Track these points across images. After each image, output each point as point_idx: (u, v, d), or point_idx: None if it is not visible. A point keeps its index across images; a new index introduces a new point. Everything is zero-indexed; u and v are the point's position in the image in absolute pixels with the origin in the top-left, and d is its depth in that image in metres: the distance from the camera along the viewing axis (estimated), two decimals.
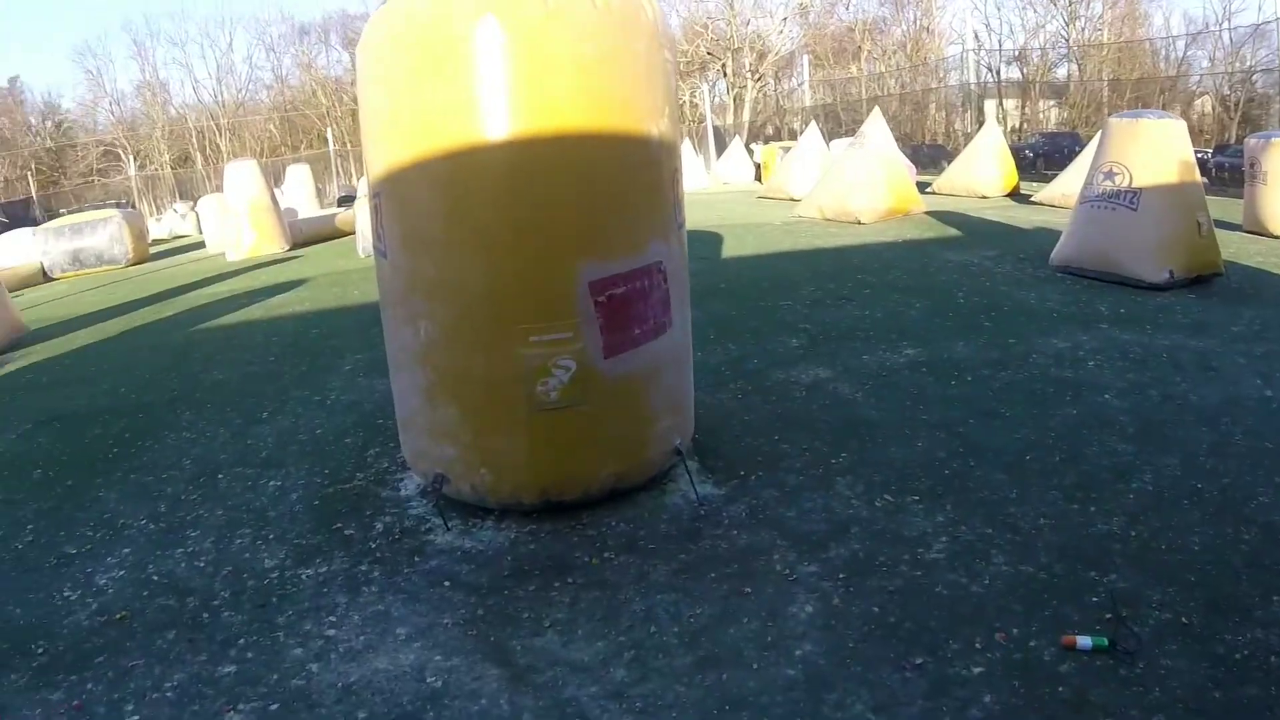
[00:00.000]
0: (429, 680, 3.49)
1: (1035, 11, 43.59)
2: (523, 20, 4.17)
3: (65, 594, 4.50)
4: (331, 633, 3.87)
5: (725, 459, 5.36)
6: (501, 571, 4.26)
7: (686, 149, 33.14)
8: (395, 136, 4.48)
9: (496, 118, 4.18)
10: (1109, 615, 3.65)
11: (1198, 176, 10.32)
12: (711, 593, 3.94)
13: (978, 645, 3.50)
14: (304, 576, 4.39)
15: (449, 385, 4.61)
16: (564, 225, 4.31)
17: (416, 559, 4.45)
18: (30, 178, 50.29)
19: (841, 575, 4.02)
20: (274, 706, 3.40)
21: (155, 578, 4.56)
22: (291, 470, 5.82)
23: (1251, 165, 14.35)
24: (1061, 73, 41.60)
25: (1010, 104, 39.74)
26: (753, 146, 37.90)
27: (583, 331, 4.37)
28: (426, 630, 3.83)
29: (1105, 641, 3.45)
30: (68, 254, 23.69)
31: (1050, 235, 12.31)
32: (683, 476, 4.99)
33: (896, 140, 18.78)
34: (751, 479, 5.08)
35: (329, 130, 51.06)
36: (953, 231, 14.80)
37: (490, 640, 3.72)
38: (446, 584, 4.19)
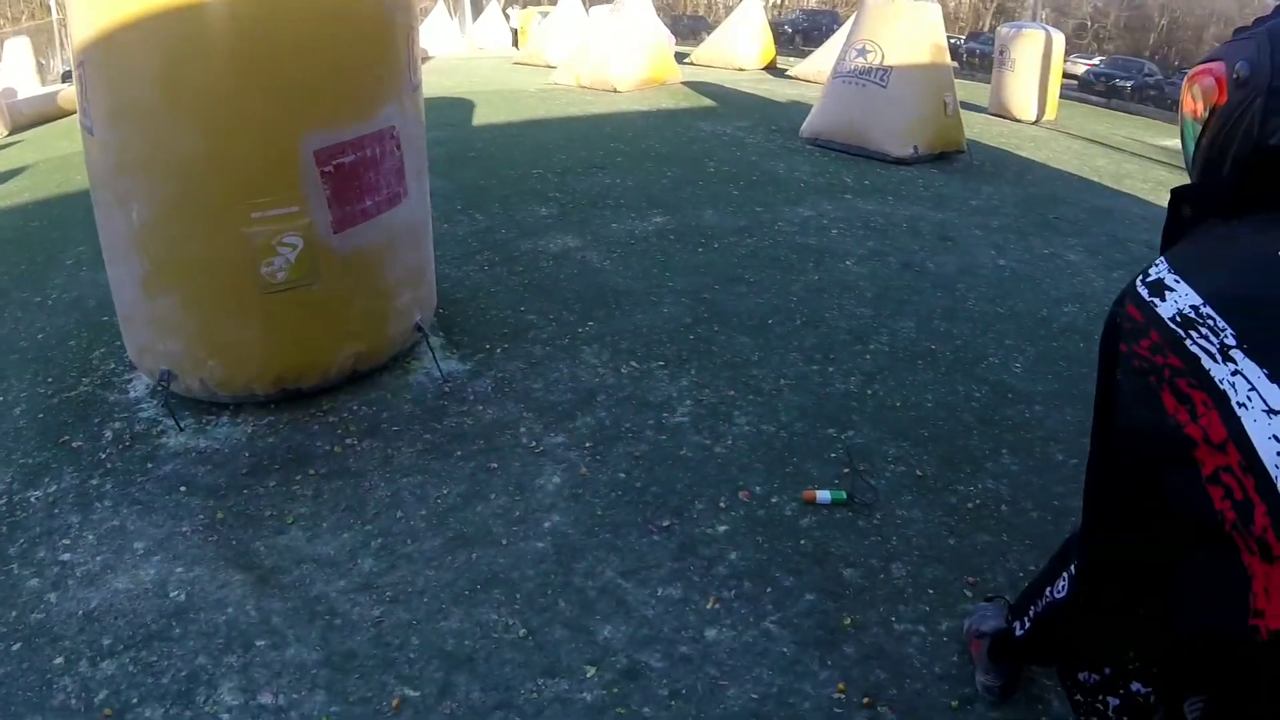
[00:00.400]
0: (172, 595, 3.28)
1: None
2: None
3: None
4: (66, 557, 3.56)
5: (471, 333, 5.21)
6: (240, 470, 4.02)
7: (440, 12, 31.95)
8: None
9: None
10: (846, 470, 3.78)
11: (948, 60, 10.73)
12: (458, 471, 3.85)
13: (722, 505, 3.57)
14: (33, 499, 4.00)
15: (168, 272, 4.20)
16: (285, 89, 3.93)
17: (150, 466, 4.13)
18: None
19: (588, 444, 4.01)
20: (16, 646, 3.11)
21: None
22: (13, 382, 5.30)
23: (1001, 52, 15.23)
24: None
25: None
26: (509, 11, 36.91)
27: (310, 205, 4.05)
28: (165, 541, 3.58)
29: (844, 495, 3.59)
30: None
31: (803, 109, 12.57)
32: (426, 354, 4.82)
33: (657, 10, 18.64)
34: (498, 352, 4.96)
35: None
36: (708, 102, 14.88)
37: (232, 544, 3.52)
38: (183, 489, 3.92)
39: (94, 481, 4.06)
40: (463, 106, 14.37)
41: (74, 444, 4.41)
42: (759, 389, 4.48)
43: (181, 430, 4.37)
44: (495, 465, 3.87)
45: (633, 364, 4.75)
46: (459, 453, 3.99)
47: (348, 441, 4.14)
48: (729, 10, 29.01)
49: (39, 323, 6.22)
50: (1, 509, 3.96)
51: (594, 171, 9.30)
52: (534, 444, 4.02)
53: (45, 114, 20.83)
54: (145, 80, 3.91)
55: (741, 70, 20.70)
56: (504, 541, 3.40)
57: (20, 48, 30.04)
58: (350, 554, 3.41)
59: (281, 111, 3.94)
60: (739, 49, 21.47)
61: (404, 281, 4.63)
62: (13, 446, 4.47)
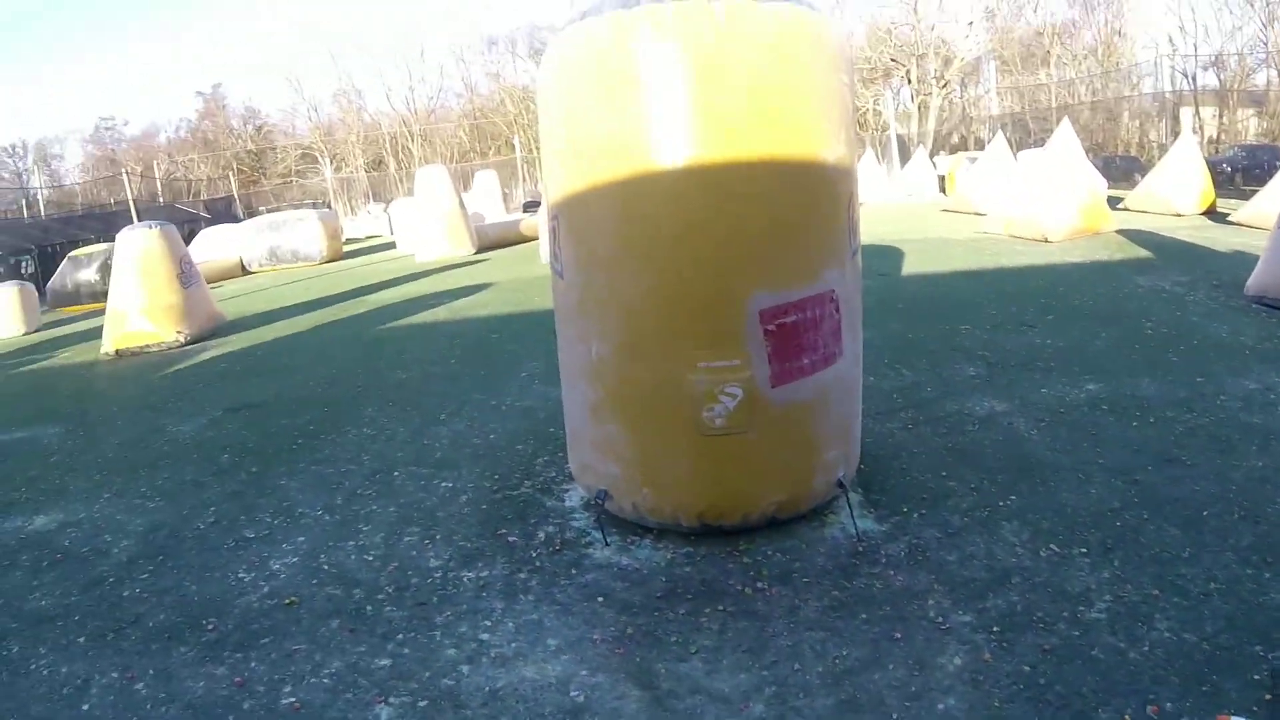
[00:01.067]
0: (572, 694, 3.58)
1: (1231, 13, 40.96)
2: (699, 43, 4.22)
3: (240, 575, 4.86)
4: (485, 637, 4.03)
5: (889, 493, 5.25)
6: (654, 592, 4.32)
7: (869, 158, 32.50)
8: (571, 158, 4.61)
9: (670, 141, 4.25)
10: (1269, 696, 3.43)
11: None
12: (861, 634, 3.88)
13: (1127, 718, 3.33)
14: (465, 579, 4.58)
15: (616, 404, 4.70)
16: (737, 251, 4.33)
17: (574, 571, 4.57)
18: (232, 177, 53.89)
19: (996, 628, 3.88)
20: (423, 703, 3.57)
21: (326, 567, 4.86)
22: (463, 473, 6.04)
23: None
24: (1260, 79, 39.21)
25: (1207, 113, 37.62)
26: (936, 160, 36.88)
27: (751, 359, 4.38)
28: (576, 644, 3.92)
29: None
30: (266, 250, 25.57)
31: (1247, 260, 11.59)
32: (844, 509, 4.92)
33: (1087, 151, 18.12)
34: (914, 517, 4.96)
35: (516, 137, 52.75)
36: (1144, 253, 14.14)
37: (636, 660, 3.78)
38: (600, 599, 4.28)
39: (522, 575, 4.56)
40: (892, 255, 14.60)
41: (509, 538, 4.99)
42: (1185, 591, 4.13)
43: (607, 545, 4.79)
44: (899, 635, 3.85)
45: (1053, 547, 4.54)
46: (864, 615, 4.01)
47: (759, 585, 4.31)
48: (1162, 149, 27.43)
49: (492, 424, 7.00)
50: (436, 581, 4.56)
51: (1024, 330, 9.12)
52: (940, 619, 3.96)
53: (507, 238, 23.63)
54: (606, 237, 4.49)
55: (1179, 216, 19.38)
56: (895, 715, 3.38)
57: (489, 179, 34.72)
58: (744, 694, 3.52)
59: (730, 273, 4.32)
60: (1175, 193, 20.05)
61: (832, 437, 4.81)
62: (455, 529, 5.16)
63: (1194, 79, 38.92)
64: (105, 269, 19.36)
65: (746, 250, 4.33)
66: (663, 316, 4.42)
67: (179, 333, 13.09)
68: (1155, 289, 11.08)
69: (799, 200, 4.44)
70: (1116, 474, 5.42)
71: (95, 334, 14.33)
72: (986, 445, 5.97)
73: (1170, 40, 41.28)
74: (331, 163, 56.77)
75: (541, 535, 5.00)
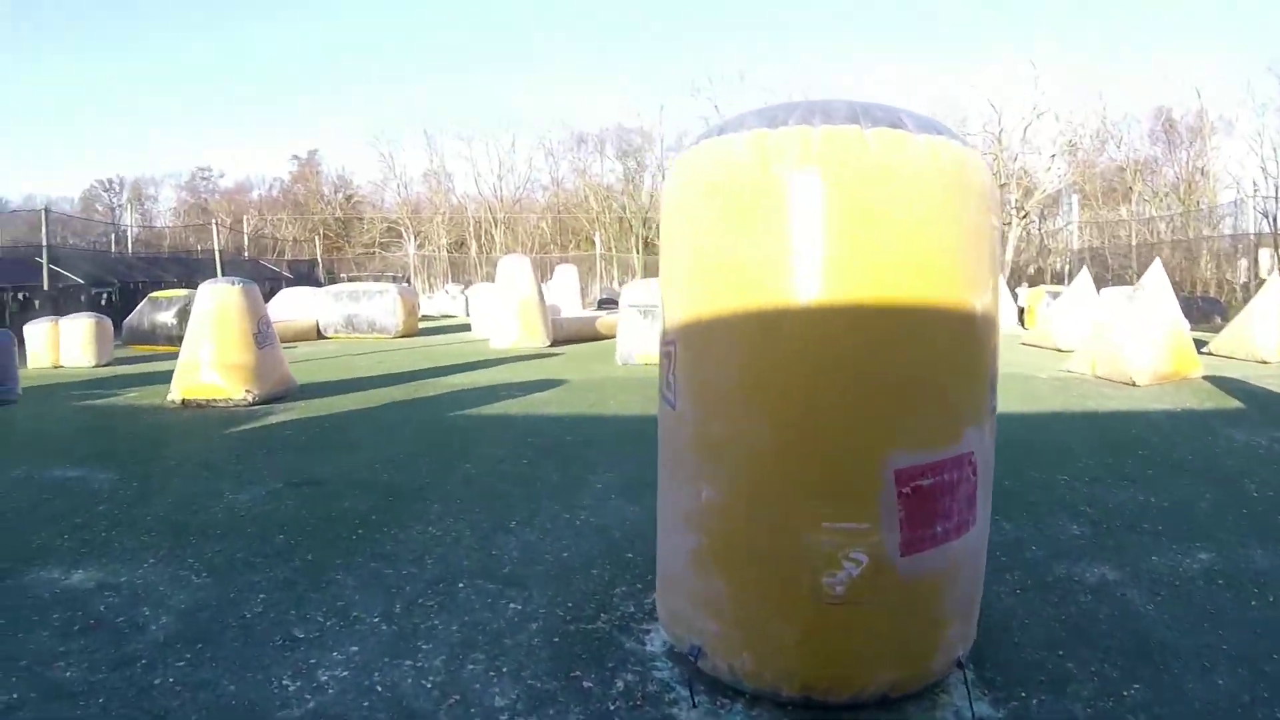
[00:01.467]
0: None
1: None
2: (846, 174, 3.93)
3: (284, 682, 4.47)
4: None
5: (1004, 672, 4.76)
6: None
7: None
8: (697, 284, 4.29)
9: (809, 277, 3.92)
10: None
11: None
12: None
13: None
14: None
15: (724, 556, 4.27)
16: (874, 403, 3.96)
17: None
18: (317, 241, 55.76)
19: None
20: None
21: (379, 688, 4.45)
22: (534, 594, 5.65)
23: None
24: None
25: None
26: (1017, 291, 36.38)
27: (882, 524, 3.96)
28: None
29: None
30: (344, 317, 26.24)
31: None
32: (957, 688, 4.45)
33: None
34: (1033, 702, 4.47)
35: (597, 234, 54.12)
36: (1235, 403, 13.66)
37: None
38: None
39: None
40: None
41: (584, 683, 4.51)
42: None
43: (695, 706, 4.31)
44: None
45: None
46: None
47: None
48: (1244, 290, 26.87)
49: (565, 540, 6.62)
50: None
51: (1124, 484, 8.63)
52: None
53: (582, 333, 23.94)
54: (729, 374, 4.12)
55: (1265, 363, 18.76)
56: None
57: (568, 273, 35.62)
58: None
59: (866, 426, 3.94)
60: (1261, 338, 19.40)
61: (956, 612, 4.37)
62: (524, 662, 4.69)
63: (1275, 219, 38.51)
64: (183, 314, 19.75)
65: (886, 402, 3.96)
66: (787, 467, 4.02)
67: (248, 391, 13.13)
68: (1252, 445, 10.59)
69: (946, 351, 4.08)
70: (1242, 662, 4.93)
71: (164, 377, 14.42)
72: (1101, 619, 5.49)
73: (1254, 182, 41.06)
74: (415, 239, 58.18)
75: (620, 684, 4.55)
